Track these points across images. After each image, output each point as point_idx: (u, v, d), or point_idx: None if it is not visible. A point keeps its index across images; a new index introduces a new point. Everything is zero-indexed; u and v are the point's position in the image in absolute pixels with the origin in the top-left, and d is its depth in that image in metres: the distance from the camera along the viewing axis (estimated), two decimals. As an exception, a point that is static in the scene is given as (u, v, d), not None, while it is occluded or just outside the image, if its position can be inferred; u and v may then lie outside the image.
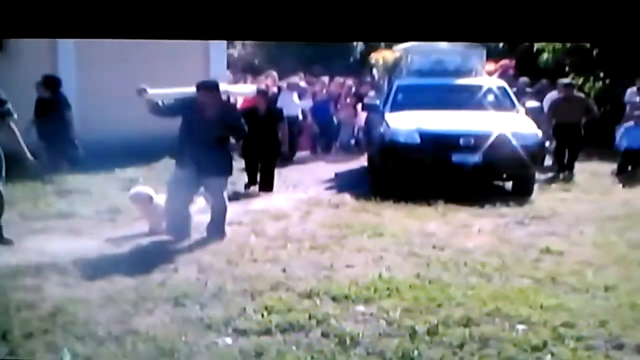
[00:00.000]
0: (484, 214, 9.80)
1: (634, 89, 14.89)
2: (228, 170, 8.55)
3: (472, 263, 7.37)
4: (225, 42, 16.12)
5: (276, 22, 1.27)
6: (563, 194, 11.60)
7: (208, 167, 8.06)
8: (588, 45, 17.22)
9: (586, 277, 6.92)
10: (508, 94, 12.60)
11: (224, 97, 9.23)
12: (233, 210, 9.56)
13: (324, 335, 5.33)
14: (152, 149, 12.04)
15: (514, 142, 10.94)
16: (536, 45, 18.24)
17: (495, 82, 13.15)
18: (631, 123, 12.93)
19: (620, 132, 13.07)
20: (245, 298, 6.15)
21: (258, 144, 11.13)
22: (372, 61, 15.86)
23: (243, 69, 19.93)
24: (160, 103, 8.33)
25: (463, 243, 8.27)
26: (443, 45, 13.79)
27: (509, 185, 11.86)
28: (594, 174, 13.27)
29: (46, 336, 5.16)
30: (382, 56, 14.99)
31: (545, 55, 18.09)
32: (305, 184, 12.25)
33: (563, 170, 12.94)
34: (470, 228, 9.05)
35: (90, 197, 10.29)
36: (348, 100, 16.62)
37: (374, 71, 15.91)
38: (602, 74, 16.96)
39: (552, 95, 13.90)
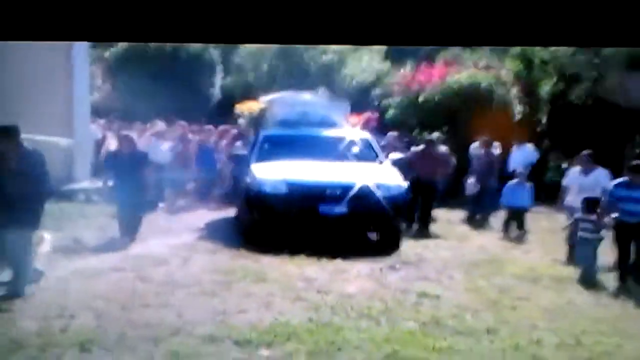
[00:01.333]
0: (355, 260, 10.15)
1: (476, 143, 15.78)
2: (36, 225, 7.93)
3: (357, 307, 7.73)
4: (88, 82, 16.03)
5: (273, 26, 1.30)
6: (424, 240, 12.17)
7: (8, 223, 7.49)
8: (435, 99, 18.28)
9: (466, 320, 7.43)
10: (372, 146, 13.01)
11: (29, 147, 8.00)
12: (113, 256, 9.61)
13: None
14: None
15: (379, 193, 11.25)
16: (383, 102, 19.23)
17: (359, 134, 13.53)
18: (513, 181, 13.36)
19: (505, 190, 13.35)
20: (149, 344, 6.23)
21: (125, 190, 11.01)
22: (238, 112, 16.03)
23: (100, 114, 19.71)
24: None
25: (344, 287, 8.63)
26: (307, 97, 14.27)
27: (373, 235, 12.09)
28: (448, 222, 14.03)
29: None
30: (248, 107, 15.26)
31: (391, 112, 19.02)
32: (175, 231, 12.24)
33: (416, 221, 13.31)
34: (347, 273, 9.41)
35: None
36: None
37: (240, 122, 16.07)
38: (445, 129, 17.73)
39: (415, 149, 14.39)
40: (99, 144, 16.99)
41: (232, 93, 25.47)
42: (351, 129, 13.93)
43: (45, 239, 8.44)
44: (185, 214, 14.35)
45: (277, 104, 13.92)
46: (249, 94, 20.21)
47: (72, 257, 9.68)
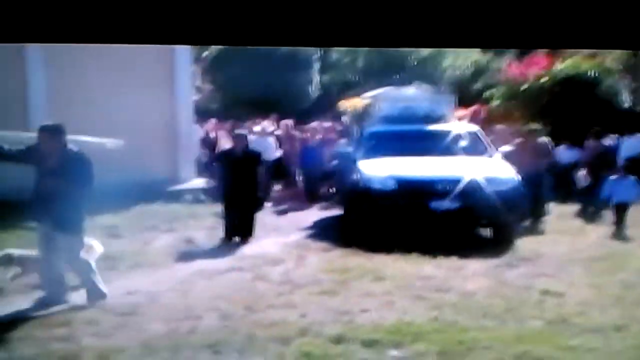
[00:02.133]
0: (470, 256, 9.98)
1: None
2: (77, 228, 7.52)
3: (479, 305, 7.59)
4: (190, 83, 16.20)
5: (272, 28, 1.27)
6: (539, 236, 11.92)
7: (55, 224, 7.31)
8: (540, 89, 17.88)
9: (593, 317, 7.19)
10: (481, 139, 12.80)
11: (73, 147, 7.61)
12: (228, 256, 9.74)
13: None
14: (124, 192, 12.03)
15: (490, 187, 11.03)
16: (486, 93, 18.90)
17: (468, 127, 13.35)
18: (614, 176, 12.87)
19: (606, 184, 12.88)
20: (278, 344, 6.24)
21: (237, 189, 11.08)
22: (342, 109, 16.01)
23: (202, 113, 19.95)
24: (5, 147, 7.34)
25: (463, 285, 8.49)
26: (411, 91, 14.12)
27: (486, 231, 11.91)
28: (561, 216, 13.67)
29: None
30: (352, 104, 15.21)
31: (495, 103, 18.71)
32: (284, 230, 12.30)
33: (529, 216, 12.97)
34: (464, 270, 9.26)
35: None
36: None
37: (344, 119, 16.06)
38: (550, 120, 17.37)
39: (516, 141, 14.08)
40: (207, 142, 17.22)
41: (329, 90, 25.51)
42: (458, 123, 13.73)
43: (94, 248, 8.34)
44: (292, 212, 14.40)
45: (381, 99, 13.85)
46: (347, 90, 20.18)
47: (187, 258, 9.85)
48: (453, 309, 7.48)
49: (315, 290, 8.12)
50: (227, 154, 11.91)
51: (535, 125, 15.03)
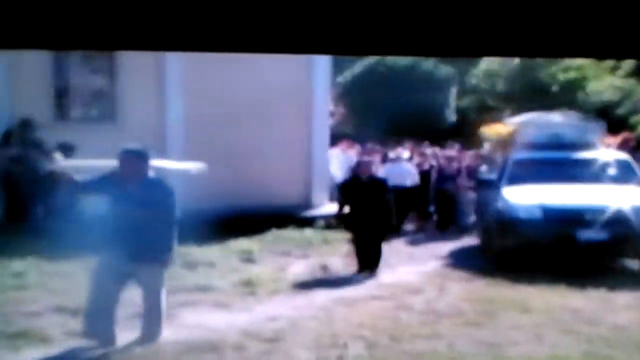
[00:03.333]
0: (619, 288, 9.53)
1: None
2: (163, 258, 6.88)
3: (632, 339, 7.24)
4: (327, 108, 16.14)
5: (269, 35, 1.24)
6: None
7: (137, 253, 6.64)
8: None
9: None
10: (631, 167, 12.28)
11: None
12: (366, 283, 9.68)
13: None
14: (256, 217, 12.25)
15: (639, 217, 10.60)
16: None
17: (616, 155, 12.91)
18: None
19: None
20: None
21: (364, 216, 10.71)
22: (484, 135, 15.72)
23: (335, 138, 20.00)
24: (78, 180, 7.02)
25: (614, 318, 8.11)
26: (558, 118, 13.75)
27: (632, 263, 11.36)
28: None
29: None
30: (495, 130, 14.92)
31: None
32: (420, 258, 12.13)
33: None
34: (613, 303, 8.86)
35: (216, 270, 10.33)
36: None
37: (484, 145, 15.80)
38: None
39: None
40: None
41: (467, 114, 25.21)
42: (606, 150, 13.24)
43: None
44: (425, 240, 14.21)
45: (527, 126, 13.50)
46: (485, 114, 19.86)
47: (324, 285, 9.82)
48: (605, 342, 7.15)
49: (460, 320, 7.92)
50: (352, 181, 11.59)
51: None
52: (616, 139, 15.56)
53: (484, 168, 14.97)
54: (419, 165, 16.43)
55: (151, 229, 6.60)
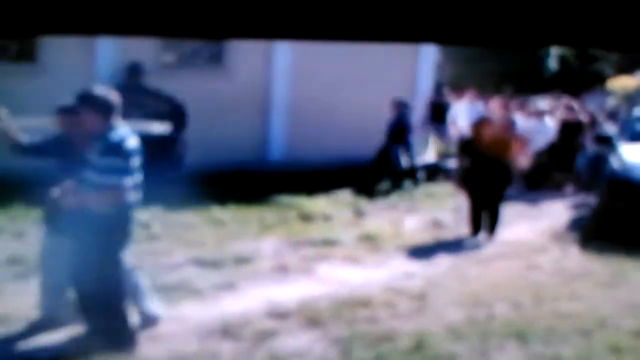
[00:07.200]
0: None
1: None
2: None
3: None
4: (432, 55, 15.82)
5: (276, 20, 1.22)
6: None
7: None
8: None
9: None
10: None
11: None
12: (487, 241, 9.71)
13: None
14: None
15: None
16: None
17: None
18: None
19: None
20: (580, 336, 6.24)
21: (485, 174, 9.88)
22: (609, 88, 15.04)
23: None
24: (24, 141, 5.93)
25: None
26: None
27: None
28: None
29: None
30: (621, 83, 14.31)
31: None
32: (534, 217, 11.80)
33: None
34: None
35: (334, 223, 10.46)
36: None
37: (609, 99, 15.22)
38: None
39: None
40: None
41: (568, 62, 24.33)
42: None
43: None
44: (543, 199, 13.52)
45: None
46: (588, 64, 19.24)
47: (444, 242, 9.80)
48: None
49: (594, 281, 8.00)
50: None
51: None
52: None
53: (608, 124, 14.28)
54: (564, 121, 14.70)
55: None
